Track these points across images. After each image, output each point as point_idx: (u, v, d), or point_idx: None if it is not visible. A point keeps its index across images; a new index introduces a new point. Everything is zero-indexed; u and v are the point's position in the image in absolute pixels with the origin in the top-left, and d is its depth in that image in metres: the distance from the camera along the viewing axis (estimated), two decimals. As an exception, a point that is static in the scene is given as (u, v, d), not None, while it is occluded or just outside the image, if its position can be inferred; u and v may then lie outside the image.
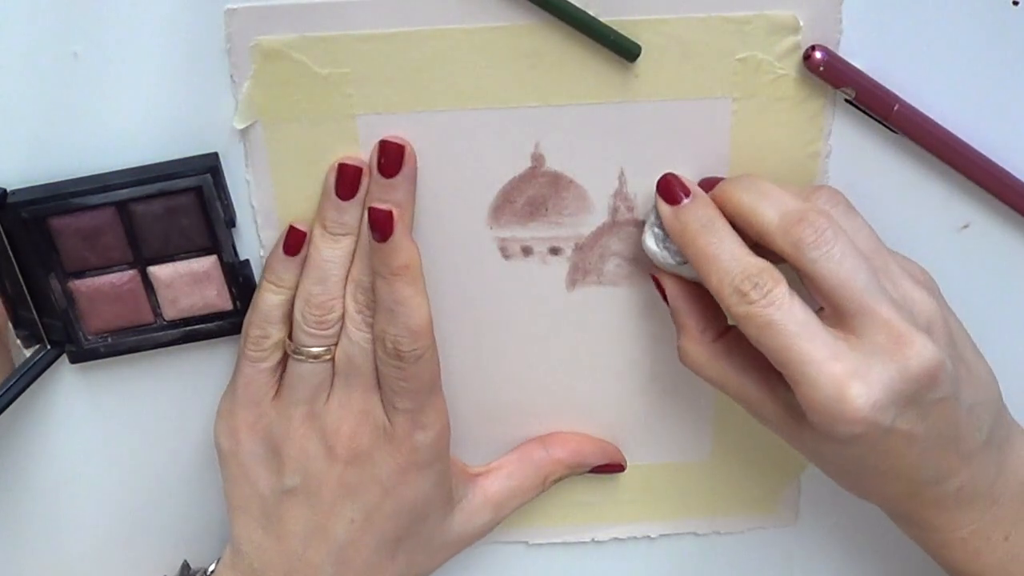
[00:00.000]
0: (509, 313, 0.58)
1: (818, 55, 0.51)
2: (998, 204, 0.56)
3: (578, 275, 0.57)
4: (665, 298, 0.54)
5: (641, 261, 0.56)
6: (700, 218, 0.50)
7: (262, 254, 0.56)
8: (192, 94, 0.52)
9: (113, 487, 0.61)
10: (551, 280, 0.57)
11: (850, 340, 0.47)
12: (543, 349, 0.59)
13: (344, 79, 0.52)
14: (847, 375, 0.46)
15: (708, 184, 0.53)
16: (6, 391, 0.54)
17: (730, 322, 0.52)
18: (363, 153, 0.54)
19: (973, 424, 0.51)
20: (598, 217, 0.56)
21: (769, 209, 0.49)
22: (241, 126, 0.53)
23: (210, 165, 0.53)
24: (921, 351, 0.46)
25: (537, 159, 0.54)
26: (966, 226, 0.56)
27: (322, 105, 0.53)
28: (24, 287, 0.55)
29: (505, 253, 0.57)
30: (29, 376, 0.55)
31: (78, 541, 0.62)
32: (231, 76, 0.52)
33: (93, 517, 0.62)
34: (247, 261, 0.56)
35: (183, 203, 0.54)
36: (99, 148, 0.53)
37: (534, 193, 0.55)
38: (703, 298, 0.53)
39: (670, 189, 0.52)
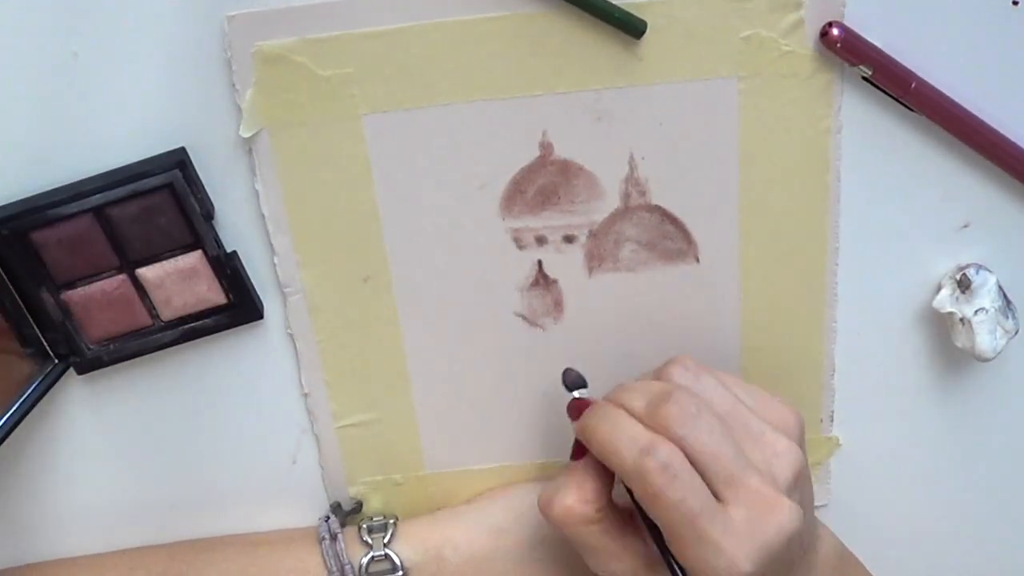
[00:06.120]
0: (523, 302, 0.58)
1: (835, 32, 0.50)
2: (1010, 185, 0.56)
3: (594, 262, 0.57)
4: (576, 456, 0.55)
5: (657, 246, 0.56)
6: (598, 416, 0.52)
7: (276, 261, 0.56)
8: (185, 98, 0.53)
9: (125, 495, 0.61)
10: (567, 268, 0.57)
11: (728, 510, 0.49)
12: (562, 339, 0.59)
13: (347, 79, 0.52)
14: (737, 549, 0.49)
15: None
16: (16, 408, 0.54)
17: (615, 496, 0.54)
18: (370, 152, 0.53)
19: (802, 546, 0.54)
20: (610, 203, 0.55)
21: (636, 397, 0.52)
22: (247, 134, 0.53)
23: (178, 160, 0.53)
24: (788, 518, 0.50)
25: (546, 147, 0.54)
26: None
27: (327, 107, 0.52)
28: (21, 304, 0.55)
29: (519, 243, 0.56)
30: (38, 392, 0.55)
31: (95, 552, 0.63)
32: (233, 84, 0.52)
33: (108, 528, 0.62)
34: (235, 253, 0.56)
35: (157, 202, 0.53)
36: (80, 158, 0.53)
37: (544, 182, 0.55)
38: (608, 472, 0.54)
39: (571, 410, 0.55)
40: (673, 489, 0.48)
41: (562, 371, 0.56)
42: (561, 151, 0.54)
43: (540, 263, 0.57)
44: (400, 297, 0.57)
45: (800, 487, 0.52)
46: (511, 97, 0.53)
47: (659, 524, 0.50)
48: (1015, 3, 0.51)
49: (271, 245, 0.56)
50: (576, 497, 0.53)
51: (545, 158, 0.54)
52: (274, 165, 0.54)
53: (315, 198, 0.55)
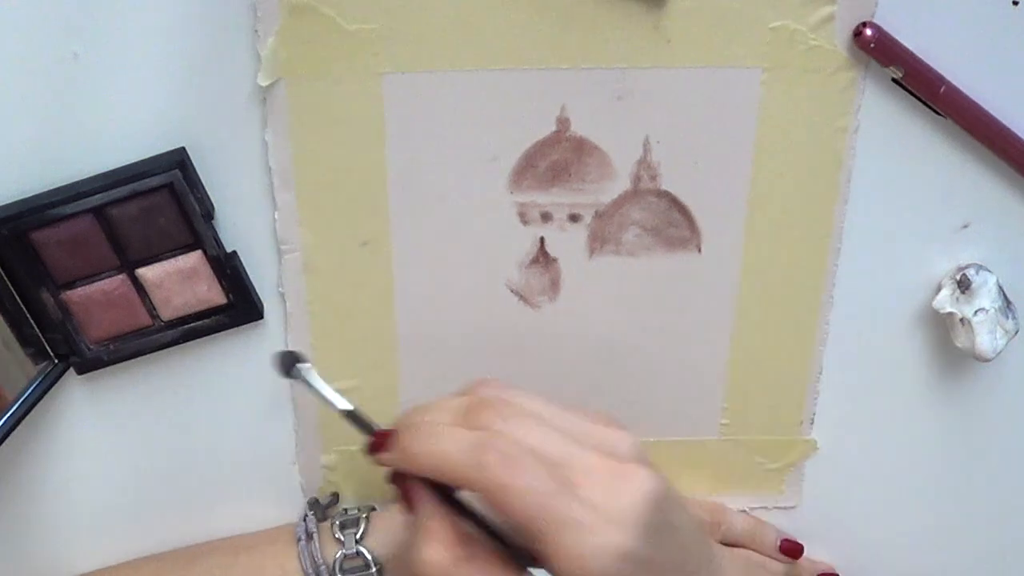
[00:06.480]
0: (520, 279, 0.57)
1: (869, 32, 0.51)
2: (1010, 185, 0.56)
3: (596, 244, 0.57)
4: (411, 508, 0.49)
5: (661, 232, 0.56)
6: (414, 434, 0.47)
7: (277, 216, 0.55)
8: (185, 97, 0.52)
9: (125, 494, 0.61)
10: (568, 247, 0.57)
11: (579, 492, 0.45)
12: (555, 319, 0.58)
13: (372, 36, 0.51)
14: (604, 523, 0.44)
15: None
16: (16, 408, 0.53)
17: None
18: (386, 112, 0.53)
19: (696, 547, 0.49)
20: (620, 185, 0.55)
21: (441, 413, 0.48)
22: (265, 83, 0.52)
23: (178, 160, 0.53)
24: (643, 478, 0.45)
25: (563, 123, 0.54)
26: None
27: (348, 62, 0.52)
28: (21, 304, 0.54)
29: (524, 219, 0.56)
30: (38, 392, 0.55)
31: (95, 553, 0.62)
32: (255, 30, 0.51)
33: (107, 527, 0.62)
34: (235, 253, 0.55)
35: (157, 201, 0.53)
36: (80, 158, 0.53)
37: (558, 158, 0.55)
38: (448, 504, 0.49)
39: (374, 447, 0.49)
40: (519, 476, 0.44)
41: (275, 356, 0.51)
42: (577, 128, 0.54)
43: (542, 240, 0.56)
44: (397, 264, 0.57)
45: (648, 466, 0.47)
46: (533, 68, 0.53)
47: (518, 526, 0.45)
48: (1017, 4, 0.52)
49: (274, 200, 0.55)
50: (431, 546, 0.47)
51: (561, 134, 0.54)
52: (287, 117, 0.53)
53: (324, 155, 0.54)
